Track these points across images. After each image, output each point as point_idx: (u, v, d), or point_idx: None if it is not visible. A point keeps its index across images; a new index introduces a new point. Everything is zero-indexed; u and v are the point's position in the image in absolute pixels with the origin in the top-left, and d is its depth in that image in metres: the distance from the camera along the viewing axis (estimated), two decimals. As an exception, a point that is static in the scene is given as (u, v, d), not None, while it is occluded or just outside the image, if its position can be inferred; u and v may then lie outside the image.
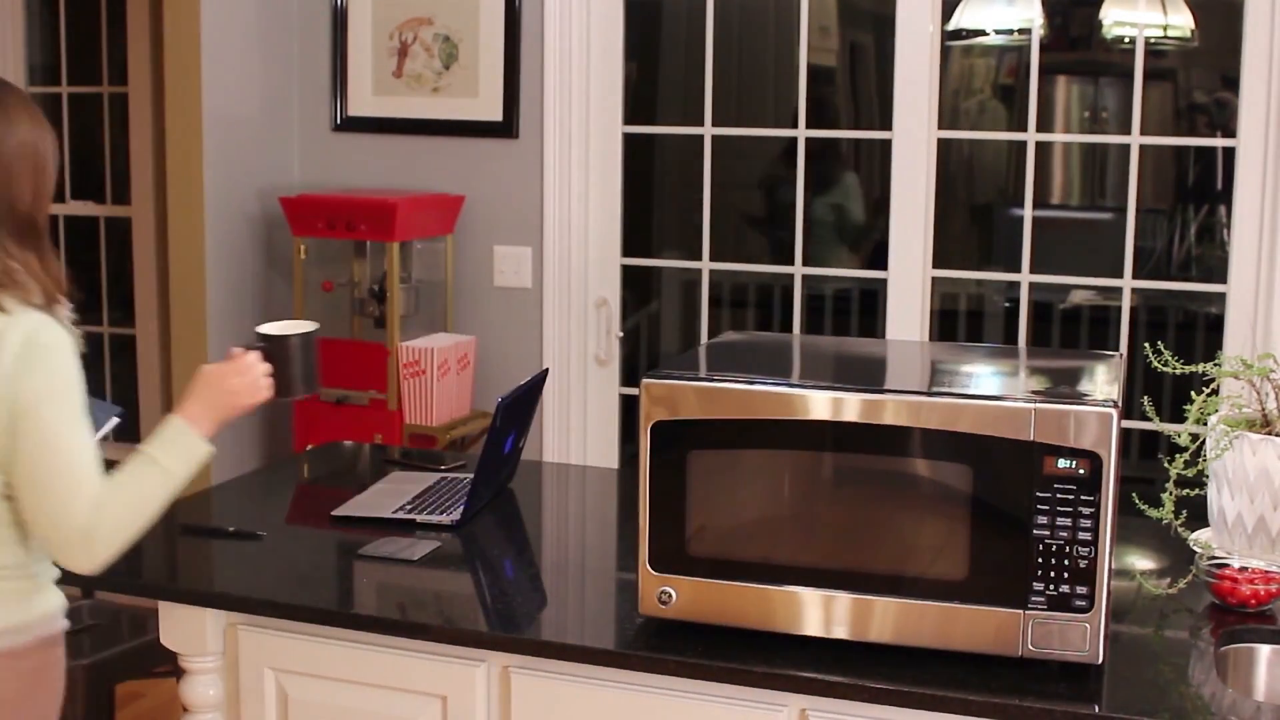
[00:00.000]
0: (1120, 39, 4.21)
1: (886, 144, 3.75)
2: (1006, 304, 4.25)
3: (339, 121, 4.18)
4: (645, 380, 1.98)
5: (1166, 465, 2.07)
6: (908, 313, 3.76)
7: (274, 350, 2.14)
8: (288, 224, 3.93)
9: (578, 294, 3.99)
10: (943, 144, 3.75)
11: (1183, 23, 4.06)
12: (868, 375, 2.21)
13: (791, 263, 3.93)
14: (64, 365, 1.95)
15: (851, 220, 4.40)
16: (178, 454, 2.00)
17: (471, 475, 2.60)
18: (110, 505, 1.93)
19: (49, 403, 1.93)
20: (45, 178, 2.01)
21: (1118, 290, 3.68)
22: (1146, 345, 2.18)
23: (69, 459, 1.93)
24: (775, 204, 4.25)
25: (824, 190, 4.34)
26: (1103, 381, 1.99)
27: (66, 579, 2.09)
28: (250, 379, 2.10)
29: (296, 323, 2.20)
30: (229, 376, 2.09)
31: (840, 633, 1.94)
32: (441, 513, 2.53)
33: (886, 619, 1.91)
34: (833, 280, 4.45)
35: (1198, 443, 2.09)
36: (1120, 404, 1.84)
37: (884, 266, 3.79)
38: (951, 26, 4.06)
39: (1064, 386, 1.94)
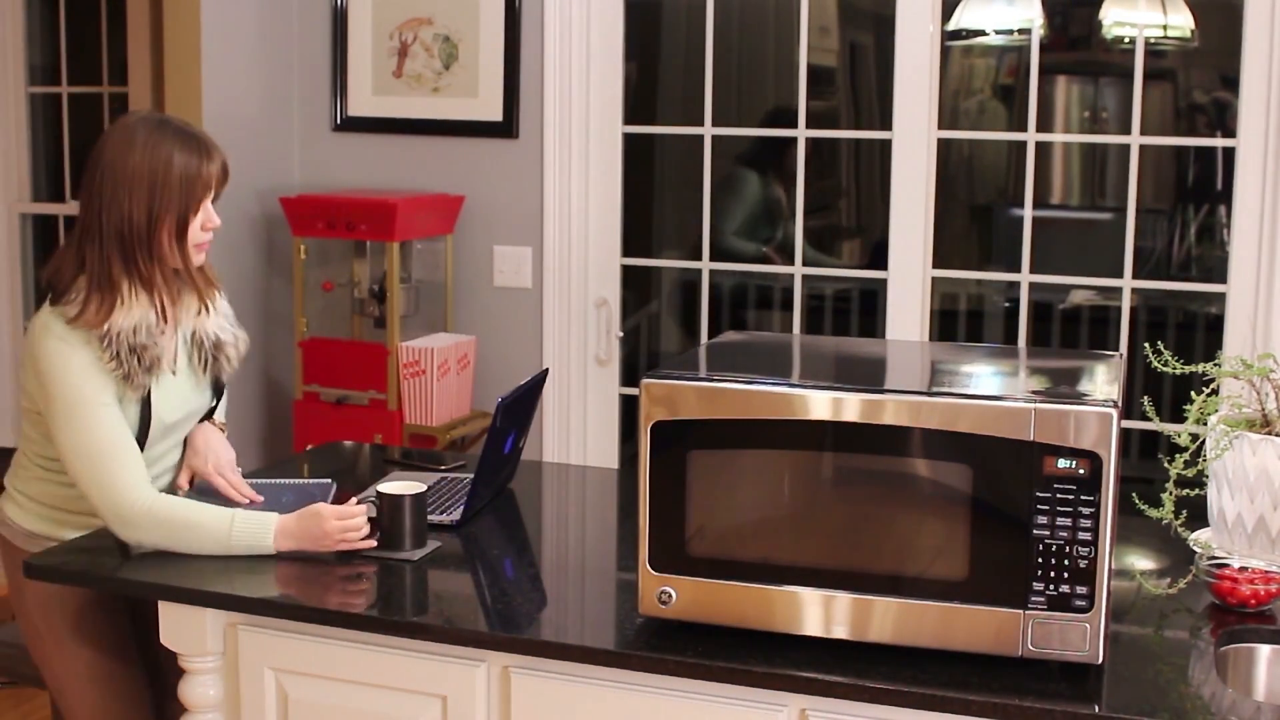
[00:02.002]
0: (1120, 39, 4.21)
1: (886, 144, 3.75)
2: (1006, 304, 4.25)
3: (339, 121, 4.18)
4: (645, 380, 1.98)
5: (1166, 465, 2.07)
6: (908, 313, 3.76)
7: (387, 507, 2.35)
8: (288, 224, 3.93)
9: (578, 294, 3.99)
10: (943, 144, 3.75)
11: (1183, 23, 4.07)
12: (868, 375, 2.21)
13: (791, 262, 3.94)
14: (45, 363, 2.30)
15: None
16: (249, 536, 2.30)
17: (471, 475, 2.60)
18: (170, 516, 2.30)
19: (42, 400, 2.34)
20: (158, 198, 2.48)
21: (1118, 290, 3.68)
22: (1146, 345, 2.18)
23: (65, 457, 2.33)
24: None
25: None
26: (1103, 381, 1.99)
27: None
28: (345, 526, 2.31)
29: (410, 484, 2.39)
30: (331, 519, 2.31)
31: (840, 633, 1.94)
32: (441, 513, 2.53)
33: (886, 619, 1.91)
34: (833, 280, 4.45)
35: (1198, 443, 2.09)
36: (1120, 404, 1.84)
37: (884, 266, 3.79)
38: (951, 26, 4.07)
39: (1064, 386, 1.94)
